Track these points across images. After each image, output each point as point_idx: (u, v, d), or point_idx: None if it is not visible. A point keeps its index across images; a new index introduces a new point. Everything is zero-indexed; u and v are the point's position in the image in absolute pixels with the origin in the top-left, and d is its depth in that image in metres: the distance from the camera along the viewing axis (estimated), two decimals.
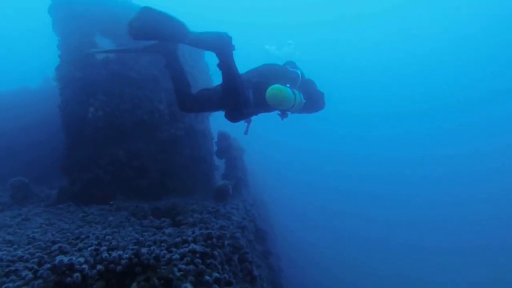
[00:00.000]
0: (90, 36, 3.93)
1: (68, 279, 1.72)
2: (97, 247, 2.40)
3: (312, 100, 3.45)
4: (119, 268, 2.08)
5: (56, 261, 1.79)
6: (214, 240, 2.36)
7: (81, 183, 4.53)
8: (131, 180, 4.76)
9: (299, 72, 3.42)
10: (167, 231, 2.74)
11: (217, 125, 6.62)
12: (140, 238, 2.52)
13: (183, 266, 1.86)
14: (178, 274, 1.72)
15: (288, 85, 3.06)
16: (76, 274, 1.74)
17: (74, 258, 1.89)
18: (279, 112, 3.42)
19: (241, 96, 2.89)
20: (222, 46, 2.81)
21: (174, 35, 2.86)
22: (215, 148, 5.82)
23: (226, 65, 2.83)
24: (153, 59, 4.52)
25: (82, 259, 1.92)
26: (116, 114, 4.50)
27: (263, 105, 3.08)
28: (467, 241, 16.88)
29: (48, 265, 1.79)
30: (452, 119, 31.43)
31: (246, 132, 3.72)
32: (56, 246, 2.48)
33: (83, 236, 2.79)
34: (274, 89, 2.90)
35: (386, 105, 33.94)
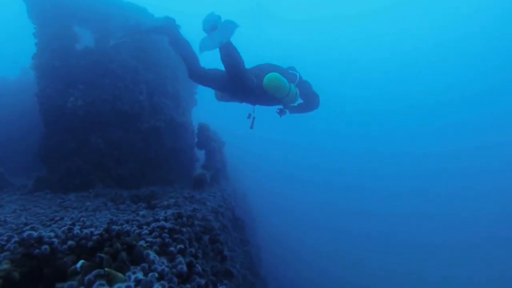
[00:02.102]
0: (68, 25, 3.85)
1: (36, 251, 1.74)
2: (71, 226, 2.41)
3: (308, 100, 3.74)
4: (90, 244, 2.11)
5: (25, 235, 1.80)
6: (184, 219, 2.43)
7: (60, 172, 4.44)
8: (111, 169, 4.71)
9: (297, 74, 3.71)
10: (141, 212, 2.78)
11: (198, 117, 6.64)
12: (114, 218, 2.55)
13: (150, 239, 1.93)
14: (144, 245, 1.78)
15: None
16: (45, 246, 1.76)
17: (43, 232, 1.90)
18: (277, 110, 3.62)
19: (245, 73, 3.18)
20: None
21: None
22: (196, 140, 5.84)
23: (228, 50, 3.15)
24: (134, 51, 4.49)
25: (52, 234, 1.93)
26: (97, 104, 4.44)
27: (263, 93, 3.30)
28: (463, 238, 16.75)
29: (16, 238, 1.80)
30: (450, 115, 31.48)
31: (251, 127, 3.88)
32: (28, 227, 2.46)
33: (57, 218, 2.77)
34: (271, 76, 3.19)
35: (376, 101, 34.09)
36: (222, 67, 3.49)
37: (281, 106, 3.69)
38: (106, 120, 4.57)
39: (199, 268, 1.93)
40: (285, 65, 4.00)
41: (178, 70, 5.28)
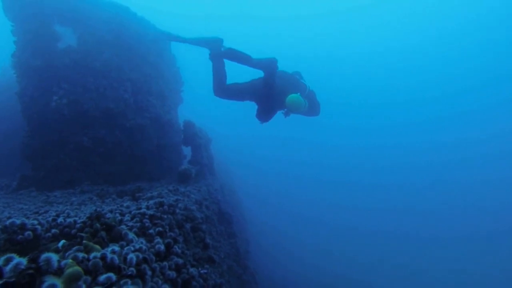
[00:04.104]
0: (48, 23, 3.85)
1: (20, 236, 1.82)
2: (55, 217, 2.48)
3: (312, 108, 4.15)
4: (73, 231, 2.19)
5: (7, 222, 1.87)
6: (166, 207, 2.54)
7: (45, 170, 4.45)
8: (97, 166, 4.75)
9: (306, 84, 4.13)
10: (125, 204, 2.87)
11: (183, 116, 6.71)
12: (98, 209, 2.63)
13: (131, 224, 2.04)
14: (125, 228, 1.89)
15: (298, 93, 3.87)
16: (28, 232, 1.85)
17: (26, 220, 1.98)
18: (283, 112, 4.13)
19: (273, 101, 3.81)
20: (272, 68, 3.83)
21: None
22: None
23: (271, 80, 3.80)
24: (117, 50, 4.54)
25: (35, 222, 2.01)
26: (81, 102, 4.46)
27: (282, 106, 3.90)
28: (459, 232, 16.85)
29: None
30: (440, 109, 31.54)
31: (262, 122, 4.19)
32: (8, 221, 2.52)
33: (41, 211, 2.82)
34: (293, 97, 3.73)
35: (366, 96, 34.38)
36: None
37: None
38: (91, 118, 4.60)
39: (177, 249, 2.06)
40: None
41: (161, 68, 5.35)
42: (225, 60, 4.11)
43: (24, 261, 0.89)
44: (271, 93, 3.80)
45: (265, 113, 3.97)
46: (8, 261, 0.89)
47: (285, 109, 4.05)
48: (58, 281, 0.85)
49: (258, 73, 4.18)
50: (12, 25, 3.87)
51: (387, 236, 16.82)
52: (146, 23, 5.31)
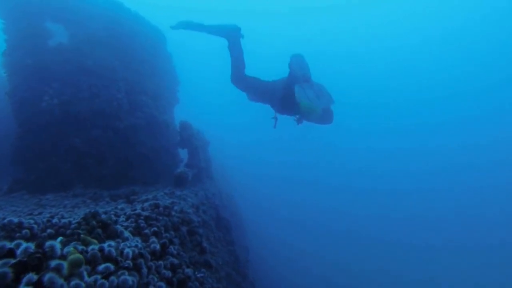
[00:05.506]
0: (40, 20, 4.02)
1: (17, 234, 1.97)
2: (49, 218, 2.63)
3: (325, 115, 4.32)
4: (68, 232, 2.34)
5: (5, 221, 2.02)
6: (161, 208, 2.69)
7: (36, 172, 4.60)
8: (90, 169, 4.90)
9: None
10: (119, 206, 3.01)
11: (179, 117, 6.86)
12: (92, 211, 2.78)
13: (126, 224, 2.18)
14: (120, 228, 2.03)
15: None
16: (25, 230, 1.99)
17: (23, 219, 2.13)
18: (295, 119, 4.36)
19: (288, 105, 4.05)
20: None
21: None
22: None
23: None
24: (110, 49, 4.71)
25: (32, 221, 2.16)
26: (73, 103, 4.63)
27: (296, 110, 4.12)
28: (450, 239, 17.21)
29: None
30: (447, 111, 31.78)
31: (274, 126, 4.40)
32: (6, 220, 2.67)
33: (35, 213, 2.97)
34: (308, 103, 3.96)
35: (363, 97, 34.79)
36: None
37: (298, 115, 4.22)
38: (83, 119, 4.76)
39: (173, 250, 2.19)
40: None
41: (156, 66, 5.52)
42: (243, 51, 4.27)
43: (32, 245, 1.04)
44: (287, 100, 3.97)
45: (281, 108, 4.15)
46: (17, 245, 1.03)
47: (298, 116, 4.23)
48: (64, 263, 0.99)
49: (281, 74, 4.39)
50: (3, 23, 4.04)
51: (392, 244, 16.96)
52: (141, 19, 5.50)
